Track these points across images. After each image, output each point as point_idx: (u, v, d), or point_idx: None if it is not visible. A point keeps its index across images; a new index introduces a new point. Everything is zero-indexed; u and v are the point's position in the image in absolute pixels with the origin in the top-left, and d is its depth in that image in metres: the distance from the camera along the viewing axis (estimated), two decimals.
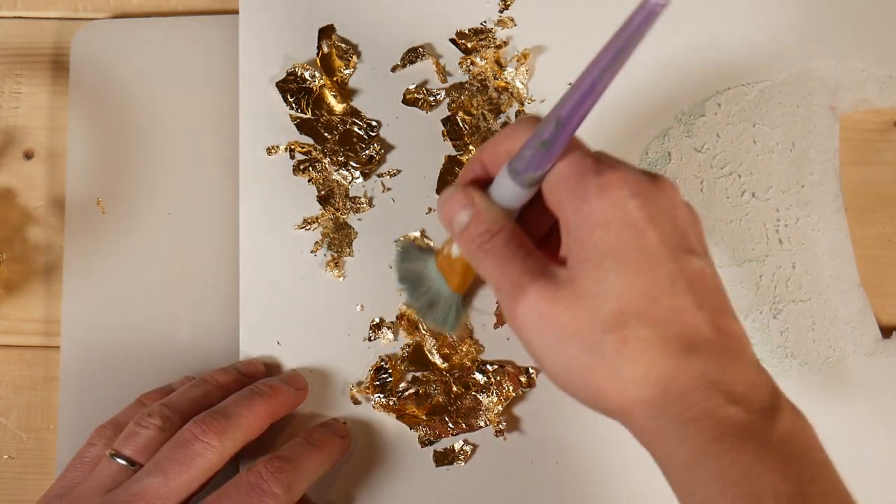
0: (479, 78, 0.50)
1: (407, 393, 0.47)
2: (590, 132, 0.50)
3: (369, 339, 0.47)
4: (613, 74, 0.32)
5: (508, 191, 0.36)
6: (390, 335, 0.47)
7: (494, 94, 0.50)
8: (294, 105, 0.50)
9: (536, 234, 0.38)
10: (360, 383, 0.47)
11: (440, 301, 0.42)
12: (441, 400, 0.47)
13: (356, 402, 0.47)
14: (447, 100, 0.50)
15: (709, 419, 0.31)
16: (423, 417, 0.46)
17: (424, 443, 0.46)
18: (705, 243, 0.35)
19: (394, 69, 0.51)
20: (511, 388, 0.47)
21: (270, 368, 0.47)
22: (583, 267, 0.33)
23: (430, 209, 0.49)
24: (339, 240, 0.49)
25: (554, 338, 0.33)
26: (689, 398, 0.32)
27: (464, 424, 0.46)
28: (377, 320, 0.48)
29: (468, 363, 0.47)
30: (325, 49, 0.51)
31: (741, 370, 0.33)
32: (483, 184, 0.38)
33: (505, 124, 0.50)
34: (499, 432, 0.46)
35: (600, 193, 0.33)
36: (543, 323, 0.33)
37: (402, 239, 0.48)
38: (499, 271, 0.35)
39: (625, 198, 0.33)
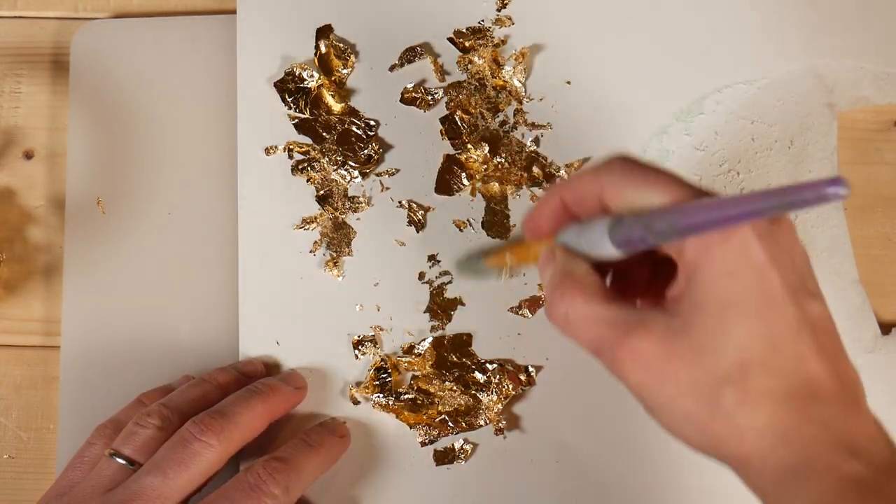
0: (478, 77, 0.50)
1: (405, 397, 0.47)
2: (589, 131, 0.50)
3: (355, 357, 0.47)
4: (749, 220, 0.30)
5: (605, 250, 0.33)
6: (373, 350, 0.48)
7: (492, 93, 0.50)
8: (292, 105, 0.50)
9: (637, 273, 0.37)
10: (359, 383, 0.47)
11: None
12: (441, 409, 0.47)
13: (356, 402, 0.47)
14: (445, 99, 0.50)
15: (831, 473, 0.30)
16: (424, 418, 0.46)
17: (424, 443, 0.46)
18: (818, 285, 0.34)
19: (392, 68, 0.51)
20: (511, 386, 0.47)
21: (270, 368, 0.47)
22: (703, 317, 0.31)
23: (430, 207, 0.49)
24: (338, 239, 0.49)
25: (668, 390, 0.32)
26: (811, 450, 0.30)
27: (463, 423, 0.46)
28: (358, 337, 0.48)
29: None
30: (323, 49, 0.51)
31: (862, 422, 0.31)
32: (563, 220, 0.36)
33: (503, 123, 0.50)
34: (499, 431, 0.46)
35: (724, 240, 0.31)
36: (656, 377, 0.32)
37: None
38: (595, 328, 0.33)
39: (749, 240, 0.31)
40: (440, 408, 0.46)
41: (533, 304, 0.48)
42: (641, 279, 0.36)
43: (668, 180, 0.32)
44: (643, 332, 0.32)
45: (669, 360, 0.31)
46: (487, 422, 0.46)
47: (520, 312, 0.48)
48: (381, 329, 0.48)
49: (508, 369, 0.47)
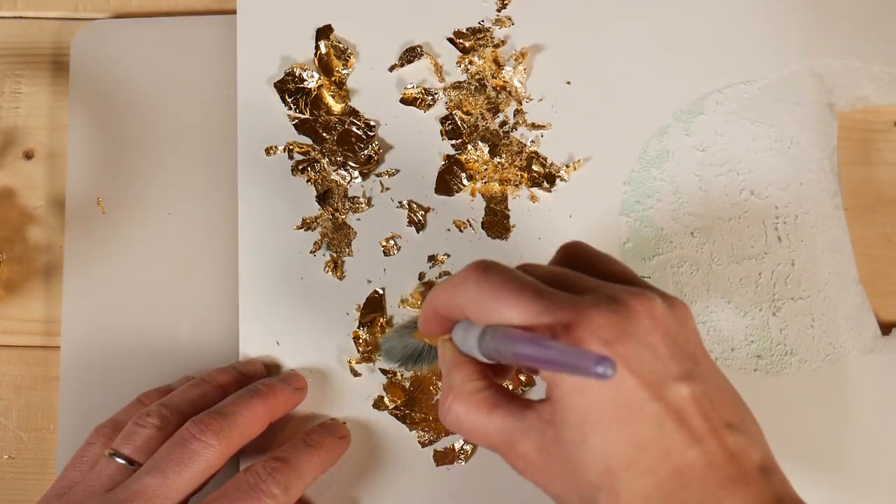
0: (477, 77, 0.50)
1: (404, 410, 0.47)
2: (589, 131, 0.50)
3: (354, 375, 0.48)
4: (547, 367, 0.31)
5: (480, 357, 0.35)
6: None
7: (492, 93, 0.50)
8: (292, 105, 0.50)
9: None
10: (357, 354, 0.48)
11: (419, 353, 0.43)
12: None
13: (356, 374, 0.47)
14: (445, 99, 0.50)
15: None
16: (428, 418, 0.46)
17: (424, 443, 0.46)
18: (697, 345, 0.34)
19: (392, 69, 0.51)
20: (510, 386, 0.47)
21: (270, 368, 0.47)
22: (565, 430, 0.32)
23: (430, 208, 0.49)
24: (338, 240, 0.49)
25: (556, 488, 0.33)
26: None
27: None
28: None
29: None
30: (323, 49, 0.51)
31: (738, 494, 0.31)
32: (444, 324, 0.37)
33: (503, 123, 0.50)
34: None
35: None
36: (544, 477, 0.33)
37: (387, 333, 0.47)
38: (483, 437, 0.35)
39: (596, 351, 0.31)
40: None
41: None
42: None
43: (518, 296, 0.32)
44: (526, 441, 0.33)
45: (550, 465, 0.33)
46: None
47: None
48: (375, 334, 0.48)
49: None
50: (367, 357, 0.47)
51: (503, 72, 0.50)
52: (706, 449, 0.31)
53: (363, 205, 0.49)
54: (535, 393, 0.47)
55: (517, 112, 0.50)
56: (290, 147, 0.50)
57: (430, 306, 0.37)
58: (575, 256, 0.37)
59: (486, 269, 0.34)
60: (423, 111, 0.50)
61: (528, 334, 0.31)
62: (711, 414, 0.32)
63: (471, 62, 0.51)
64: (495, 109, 0.50)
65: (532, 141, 0.50)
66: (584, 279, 0.34)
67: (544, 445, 0.33)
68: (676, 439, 0.31)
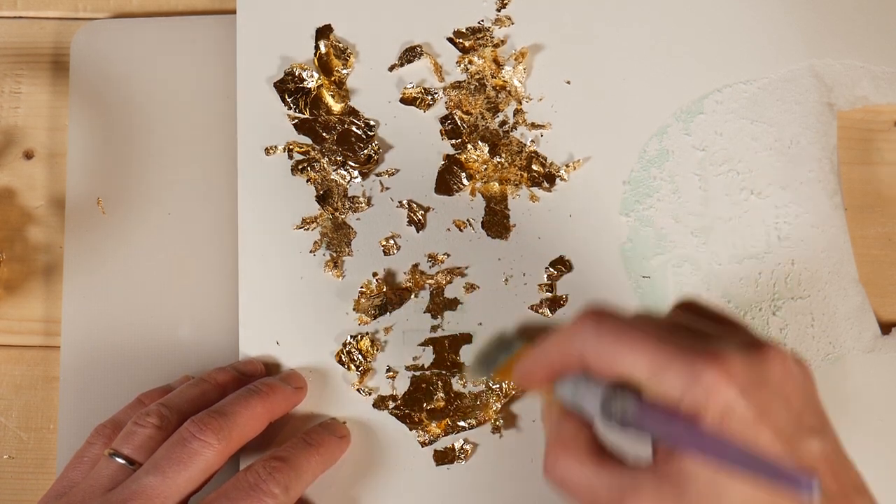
0: (477, 77, 0.50)
1: (404, 409, 0.47)
2: (589, 131, 0.50)
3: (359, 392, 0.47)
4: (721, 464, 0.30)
5: (598, 420, 0.33)
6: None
7: (492, 93, 0.50)
8: (292, 105, 0.50)
9: None
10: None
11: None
12: (442, 404, 0.47)
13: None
14: (445, 99, 0.50)
15: None
16: (426, 421, 0.46)
17: (425, 443, 0.46)
18: (821, 405, 0.33)
19: (391, 68, 0.51)
20: (510, 385, 0.47)
21: (270, 368, 0.47)
22: (695, 484, 0.30)
23: (430, 208, 0.49)
24: (337, 240, 0.49)
25: None
26: None
27: (461, 423, 0.46)
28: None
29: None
30: (323, 49, 0.51)
31: None
32: (552, 373, 0.35)
33: (503, 123, 0.50)
34: (496, 429, 0.46)
35: (708, 400, 0.30)
36: None
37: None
38: (590, 494, 0.33)
39: (733, 400, 0.30)
40: (437, 404, 0.46)
41: (554, 303, 0.48)
42: None
43: (642, 343, 0.31)
44: (637, 497, 0.31)
45: None
46: (485, 420, 0.46)
47: (540, 311, 0.48)
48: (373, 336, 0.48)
49: None
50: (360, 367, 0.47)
51: (503, 71, 0.50)
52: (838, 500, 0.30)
53: (363, 204, 0.49)
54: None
55: (517, 112, 0.50)
56: (290, 147, 0.50)
57: (541, 357, 0.35)
58: (691, 310, 0.36)
59: (604, 316, 0.33)
60: (422, 111, 0.50)
61: (676, 414, 0.30)
62: (842, 475, 0.31)
63: (470, 62, 0.51)
64: (495, 109, 0.50)
65: (532, 141, 0.50)
66: (709, 327, 0.33)
67: (661, 500, 0.31)
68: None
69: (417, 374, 0.47)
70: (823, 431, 0.31)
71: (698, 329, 0.33)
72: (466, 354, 0.47)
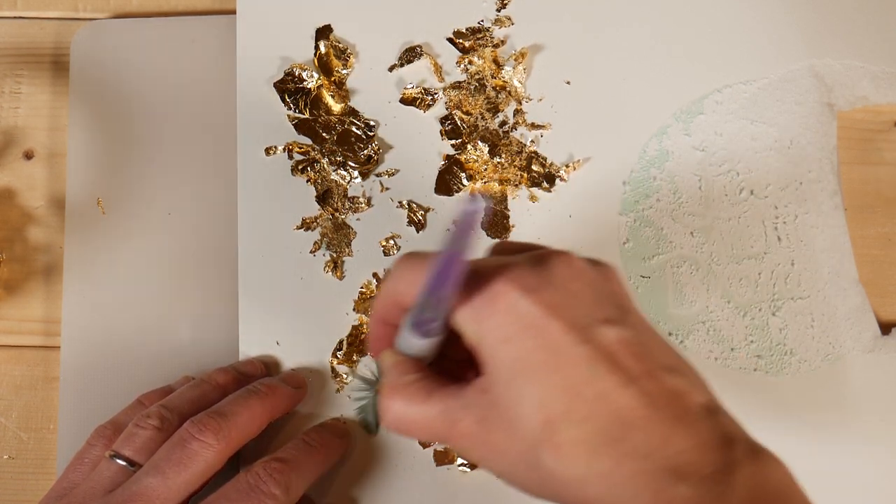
0: (477, 77, 0.51)
1: None
2: (589, 131, 0.50)
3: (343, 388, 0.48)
4: (452, 272, 0.31)
5: (416, 344, 0.34)
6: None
7: (492, 93, 0.50)
8: (292, 105, 0.50)
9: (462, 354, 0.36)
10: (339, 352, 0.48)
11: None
12: None
13: (336, 374, 0.47)
14: (445, 99, 0.50)
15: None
16: None
17: (424, 443, 0.46)
18: (624, 298, 0.33)
19: (391, 69, 0.51)
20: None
21: (270, 368, 0.47)
22: (499, 388, 0.31)
23: (430, 208, 0.49)
24: (337, 240, 0.49)
25: (501, 461, 0.32)
26: (636, 486, 0.30)
27: None
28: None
29: None
30: (323, 49, 0.51)
31: (685, 434, 0.30)
32: (392, 334, 0.36)
33: (503, 123, 0.50)
34: None
35: (490, 308, 0.31)
36: (488, 452, 0.32)
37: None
38: (424, 427, 0.34)
39: (515, 301, 0.31)
40: None
41: None
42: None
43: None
44: (465, 417, 0.32)
45: (491, 433, 0.32)
46: None
47: None
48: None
49: None
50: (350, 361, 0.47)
51: (503, 72, 0.50)
52: (644, 389, 0.30)
53: (363, 205, 0.49)
54: None
55: (517, 112, 0.50)
56: (290, 147, 0.50)
57: (372, 316, 0.36)
58: (502, 250, 0.37)
59: (411, 253, 0.35)
60: (422, 111, 0.50)
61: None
62: (645, 357, 0.31)
63: (470, 62, 0.51)
64: (495, 109, 0.50)
65: (532, 141, 0.50)
66: (509, 256, 0.34)
67: (483, 414, 0.32)
68: (610, 381, 0.30)
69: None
70: (622, 320, 0.32)
71: (500, 256, 0.34)
72: None
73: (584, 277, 0.32)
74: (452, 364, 0.36)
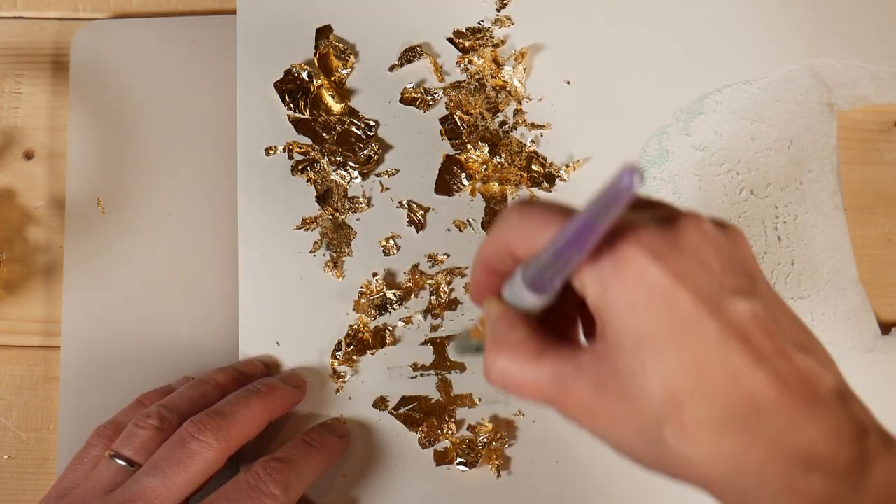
0: (477, 77, 0.50)
1: (404, 409, 0.47)
2: (589, 131, 0.50)
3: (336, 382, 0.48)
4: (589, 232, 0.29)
5: (527, 299, 0.32)
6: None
7: (492, 93, 0.50)
8: (292, 105, 0.50)
9: (571, 311, 0.35)
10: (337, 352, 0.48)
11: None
12: (442, 399, 0.47)
13: (339, 376, 0.47)
14: (445, 99, 0.50)
15: (789, 496, 0.28)
16: (426, 421, 0.46)
17: (424, 444, 0.46)
18: (752, 265, 0.31)
19: (391, 69, 0.51)
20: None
21: (270, 368, 0.47)
22: (621, 358, 0.30)
23: (430, 208, 0.49)
24: (337, 240, 0.49)
25: (616, 430, 0.30)
26: (764, 473, 0.28)
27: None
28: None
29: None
30: (323, 49, 0.51)
31: (817, 421, 0.28)
32: (497, 282, 0.35)
33: (503, 123, 0.50)
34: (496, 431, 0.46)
35: (617, 273, 0.29)
36: (603, 421, 0.31)
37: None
38: (533, 389, 0.32)
39: (644, 267, 0.29)
40: (437, 404, 0.46)
41: None
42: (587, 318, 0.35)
43: (562, 216, 0.30)
44: (579, 383, 0.31)
45: (608, 403, 0.30)
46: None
47: None
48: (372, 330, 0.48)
49: None
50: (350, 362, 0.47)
51: (503, 71, 0.50)
52: (776, 369, 0.28)
53: (363, 205, 0.49)
54: None
55: (517, 112, 0.50)
56: (290, 147, 0.50)
57: (478, 263, 0.34)
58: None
59: (526, 202, 0.32)
60: (423, 111, 0.50)
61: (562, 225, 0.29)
62: (776, 334, 0.29)
63: (470, 62, 0.51)
64: (495, 109, 0.50)
65: (532, 141, 0.50)
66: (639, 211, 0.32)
67: (600, 381, 0.30)
68: (741, 359, 0.28)
69: (417, 374, 0.47)
70: (752, 291, 0.30)
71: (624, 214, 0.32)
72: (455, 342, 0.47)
73: (714, 242, 0.30)
74: (558, 318, 0.34)
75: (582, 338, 0.36)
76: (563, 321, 0.35)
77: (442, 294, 0.48)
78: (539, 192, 0.49)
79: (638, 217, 0.30)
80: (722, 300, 0.29)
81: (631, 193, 0.26)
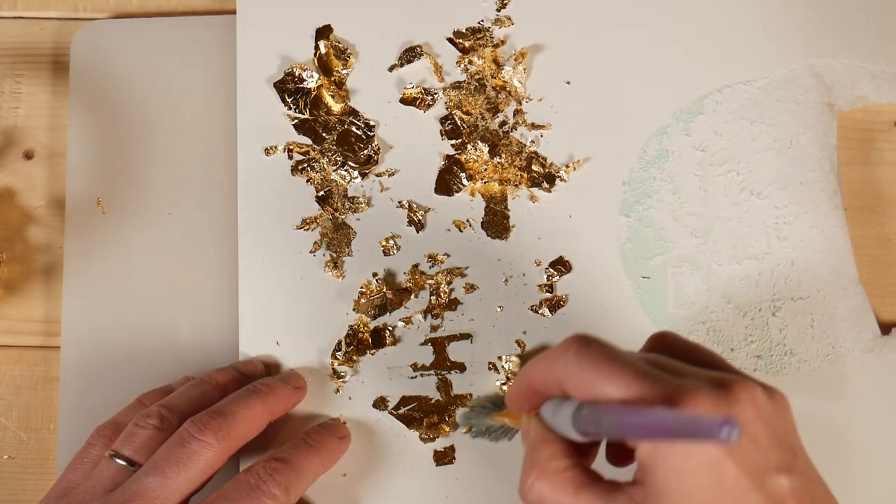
0: (477, 77, 0.50)
1: (404, 409, 0.47)
2: (589, 131, 0.50)
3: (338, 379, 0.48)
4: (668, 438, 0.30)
5: (573, 435, 0.33)
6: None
7: (492, 93, 0.50)
8: (292, 105, 0.50)
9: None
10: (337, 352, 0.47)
11: (498, 432, 0.42)
12: (442, 399, 0.47)
13: (339, 376, 0.47)
14: (445, 99, 0.50)
15: None
16: (426, 420, 0.46)
17: (427, 439, 0.46)
18: (794, 437, 0.33)
19: (391, 69, 0.51)
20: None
21: (270, 368, 0.47)
22: (667, 497, 0.31)
23: (430, 208, 0.49)
24: (337, 240, 0.49)
25: None
26: None
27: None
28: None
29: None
30: (323, 49, 0.51)
31: None
32: (536, 399, 0.36)
33: (503, 123, 0.50)
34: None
35: None
36: None
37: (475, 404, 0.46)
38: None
39: None
40: (437, 404, 0.46)
41: (554, 303, 0.48)
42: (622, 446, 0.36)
43: (620, 372, 0.31)
44: None
45: None
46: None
47: (539, 311, 0.48)
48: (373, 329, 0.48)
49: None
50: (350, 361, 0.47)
51: (503, 72, 0.50)
52: None
53: (363, 205, 0.49)
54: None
55: (517, 112, 0.50)
56: (290, 147, 0.50)
57: (525, 379, 0.35)
58: (665, 346, 0.36)
59: (587, 343, 0.33)
60: (422, 111, 0.50)
61: (632, 404, 0.30)
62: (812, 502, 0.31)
63: (470, 62, 0.51)
64: (495, 109, 0.50)
65: (532, 141, 0.50)
66: (681, 365, 0.33)
67: None
68: None
69: (417, 374, 0.47)
70: (792, 467, 0.31)
71: (672, 367, 0.33)
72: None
73: (764, 416, 0.32)
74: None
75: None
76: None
77: (442, 294, 0.48)
78: (539, 192, 0.49)
79: (691, 380, 0.31)
80: (766, 475, 0.30)
81: (726, 444, 0.27)
